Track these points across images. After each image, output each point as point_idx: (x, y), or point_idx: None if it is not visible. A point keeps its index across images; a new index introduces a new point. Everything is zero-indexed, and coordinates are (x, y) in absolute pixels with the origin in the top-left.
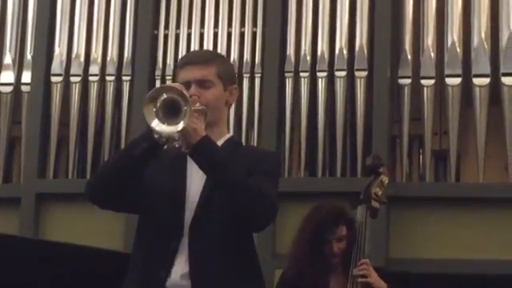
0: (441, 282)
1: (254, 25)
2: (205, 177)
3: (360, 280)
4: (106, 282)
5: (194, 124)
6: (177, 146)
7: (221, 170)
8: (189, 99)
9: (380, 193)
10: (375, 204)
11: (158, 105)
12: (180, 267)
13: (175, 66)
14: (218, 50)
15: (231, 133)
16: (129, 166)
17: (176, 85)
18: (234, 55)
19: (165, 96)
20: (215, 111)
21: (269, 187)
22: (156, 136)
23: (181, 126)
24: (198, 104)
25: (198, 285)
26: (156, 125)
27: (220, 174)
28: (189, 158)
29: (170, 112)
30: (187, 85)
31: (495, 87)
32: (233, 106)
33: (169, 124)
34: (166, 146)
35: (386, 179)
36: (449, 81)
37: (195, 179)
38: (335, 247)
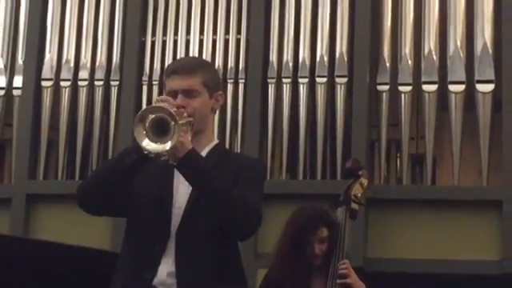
0: (417, 281)
1: (238, 32)
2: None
3: (339, 281)
4: (92, 280)
5: (182, 138)
6: (164, 159)
7: (206, 182)
8: (176, 117)
9: (359, 195)
10: (355, 206)
11: (147, 125)
12: (167, 266)
13: (162, 72)
14: (204, 57)
15: (216, 138)
16: (118, 176)
17: (163, 102)
18: (218, 61)
19: (153, 116)
20: (202, 119)
21: (253, 197)
22: (146, 152)
23: (169, 144)
24: (185, 114)
25: (183, 283)
26: (146, 144)
27: (205, 186)
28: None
29: (159, 130)
30: (174, 94)
31: (470, 94)
32: (217, 115)
33: (159, 142)
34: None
35: (365, 182)
36: (425, 87)
37: (182, 187)
38: (317, 249)
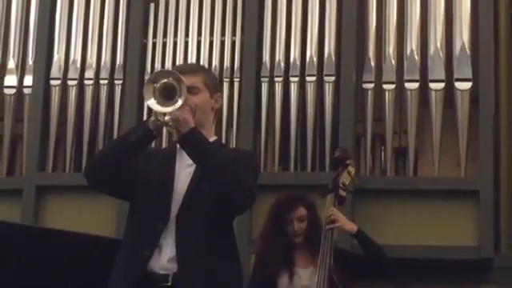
0: (400, 266)
1: (234, 34)
2: (191, 172)
3: (328, 227)
4: (97, 264)
5: (186, 115)
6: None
7: (206, 156)
8: (185, 91)
9: (347, 182)
10: (343, 193)
11: (158, 86)
12: (167, 251)
13: None
14: (201, 57)
15: (215, 137)
16: (124, 151)
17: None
18: (215, 62)
19: (165, 80)
20: (202, 114)
21: (249, 176)
22: (151, 123)
23: (170, 109)
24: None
25: (183, 267)
26: (151, 103)
27: (206, 160)
28: (177, 156)
29: (167, 95)
30: None
31: (449, 91)
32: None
33: (162, 105)
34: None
35: (352, 170)
36: (408, 85)
37: (183, 174)
38: (296, 226)
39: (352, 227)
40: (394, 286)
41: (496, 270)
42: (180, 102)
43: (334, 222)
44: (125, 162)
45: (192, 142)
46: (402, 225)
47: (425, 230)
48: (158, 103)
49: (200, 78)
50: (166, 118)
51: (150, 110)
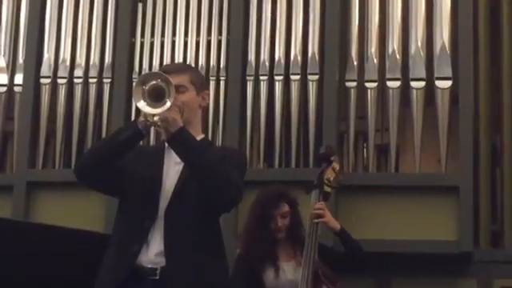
0: (382, 259)
1: (220, 34)
2: (180, 170)
3: (316, 220)
4: (86, 259)
5: (174, 115)
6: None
7: (195, 155)
8: (174, 92)
9: (332, 179)
10: (327, 189)
11: (147, 88)
12: (155, 245)
13: (150, 70)
14: (188, 57)
15: (203, 134)
16: (113, 150)
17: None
18: (201, 61)
19: (154, 82)
20: (189, 112)
21: (236, 175)
22: (140, 122)
23: (159, 110)
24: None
25: (171, 261)
26: (142, 105)
27: (194, 159)
28: (166, 154)
29: (156, 96)
30: None
31: (430, 90)
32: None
33: (152, 106)
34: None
35: (337, 166)
36: (389, 84)
37: (171, 172)
38: (279, 222)
39: (336, 225)
40: (376, 279)
41: (475, 264)
42: (169, 104)
43: (320, 216)
44: (114, 161)
45: (180, 141)
46: (383, 220)
47: (406, 225)
48: (148, 105)
49: (187, 77)
50: (155, 118)
51: (138, 109)
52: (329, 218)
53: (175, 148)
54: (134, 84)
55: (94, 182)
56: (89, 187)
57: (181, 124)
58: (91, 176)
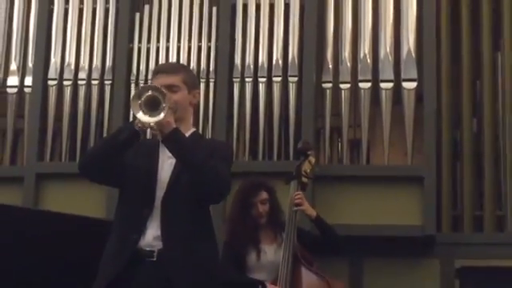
0: (354, 242)
1: (209, 40)
2: (173, 163)
3: (295, 208)
4: (88, 242)
5: (168, 118)
6: (154, 132)
7: (187, 153)
8: (166, 98)
9: (308, 170)
10: (305, 179)
11: (143, 100)
12: (152, 231)
13: (147, 72)
14: (181, 61)
15: (193, 128)
16: (113, 148)
17: (159, 86)
18: (193, 64)
19: (149, 93)
20: (181, 110)
21: (224, 169)
22: (138, 125)
23: (157, 119)
24: (171, 101)
25: (167, 244)
26: (140, 116)
27: (186, 156)
28: (160, 149)
29: (152, 106)
30: None
31: (397, 90)
32: (195, 105)
33: (149, 115)
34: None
35: (313, 159)
36: (361, 85)
37: (165, 165)
38: (260, 208)
39: (312, 212)
40: (349, 260)
41: (437, 246)
42: (162, 115)
43: (299, 204)
44: (113, 158)
45: (174, 141)
46: (356, 207)
47: (376, 211)
48: (145, 114)
49: (179, 77)
50: (152, 123)
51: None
52: (306, 206)
53: (169, 147)
54: (131, 96)
55: (96, 177)
56: (91, 181)
57: (174, 125)
58: (93, 172)
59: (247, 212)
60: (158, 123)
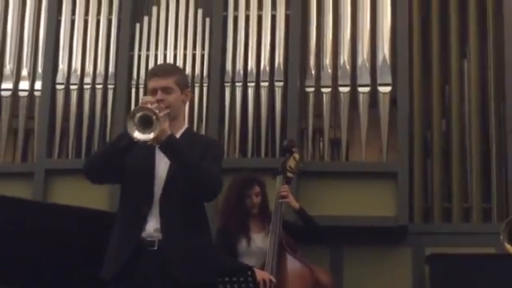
0: (333, 232)
1: (203, 48)
2: (168, 163)
3: (281, 200)
4: (92, 232)
5: (163, 126)
6: (150, 143)
7: (181, 158)
8: (157, 114)
9: (293, 166)
10: (289, 174)
11: (136, 121)
12: (153, 224)
13: (146, 78)
14: None
15: (187, 125)
16: (114, 154)
17: (147, 101)
18: (188, 70)
19: (140, 114)
20: (176, 109)
21: (216, 168)
22: (135, 140)
23: (153, 135)
24: (165, 111)
25: (167, 235)
26: (136, 135)
27: (181, 161)
28: (157, 150)
29: (145, 124)
30: (154, 91)
31: (373, 94)
32: (187, 107)
33: (145, 133)
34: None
35: (297, 156)
36: (341, 89)
37: (162, 164)
38: (254, 200)
39: (296, 204)
40: (330, 248)
41: (410, 235)
42: (156, 132)
43: (285, 197)
44: (114, 162)
45: (169, 146)
46: (336, 199)
47: (354, 204)
48: (141, 132)
49: (172, 80)
50: (149, 140)
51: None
52: (291, 198)
53: (165, 152)
54: (126, 118)
55: (99, 179)
56: (93, 183)
57: (169, 132)
58: (96, 175)
59: (242, 202)
60: (153, 139)
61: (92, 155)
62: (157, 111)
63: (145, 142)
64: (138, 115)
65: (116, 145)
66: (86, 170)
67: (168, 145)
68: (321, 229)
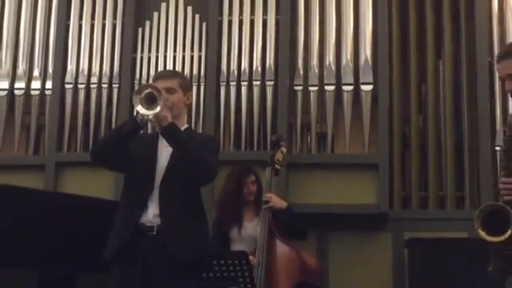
0: (321, 218)
1: (200, 50)
2: (170, 153)
3: (264, 206)
4: (100, 218)
5: (165, 113)
6: (153, 124)
7: (181, 143)
8: (163, 95)
9: (281, 159)
10: (278, 167)
11: (142, 95)
12: (152, 210)
13: (148, 78)
14: (176, 67)
15: (187, 125)
16: (118, 139)
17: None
18: (186, 70)
19: (147, 90)
20: (177, 108)
21: (212, 158)
22: (139, 118)
23: (153, 112)
24: (169, 104)
25: (165, 220)
26: (139, 108)
27: (181, 146)
28: (159, 140)
29: (150, 101)
30: None
31: (356, 92)
32: (189, 105)
33: (147, 109)
34: (142, 131)
35: (285, 150)
36: (327, 88)
37: (163, 153)
38: (251, 188)
39: (282, 205)
40: (316, 233)
41: (390, 221)
42: (159, 108)
43: (267, 202)
44: (119, 147)
45: (170, 132)
46: (322, 189)
47: (339, 193)
48: (144, 108)
49: (176, 81)
50: (150, 116)
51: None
52: (275, 202)
53: (166, 137)
54: (133, 92)
55: (105, 163)
56: (101, 166)
57: (170, 120)
58: (102, 159)
59: (239, 190)
60: (154, 116)
61: (98, 140)
62: (163, 91)
63: (146, 123)
64: (146, 91)
65: (120, 130)
66: (93, 153)
67: (169, 130)
68: (306, 232)
